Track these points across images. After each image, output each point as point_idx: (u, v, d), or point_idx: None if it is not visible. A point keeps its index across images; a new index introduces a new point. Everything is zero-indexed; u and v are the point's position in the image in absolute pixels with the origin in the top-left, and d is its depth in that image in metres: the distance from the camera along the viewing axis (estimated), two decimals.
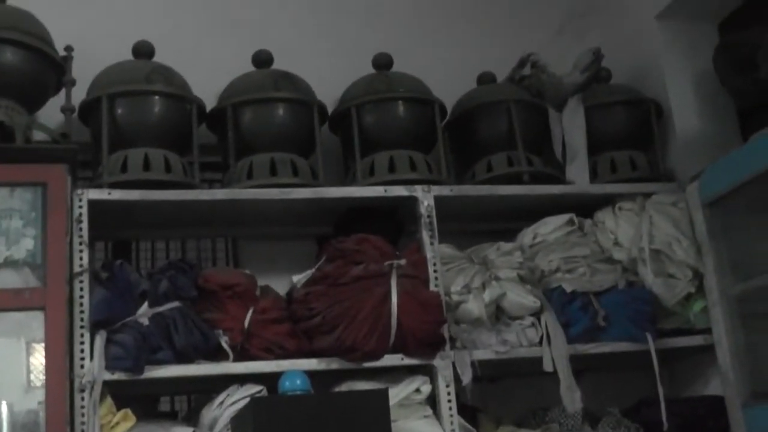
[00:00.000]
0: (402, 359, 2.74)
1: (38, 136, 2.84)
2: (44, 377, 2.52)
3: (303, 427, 2.33)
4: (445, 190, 2.95)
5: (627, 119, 3.33)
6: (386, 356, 2.72)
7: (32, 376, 2.58)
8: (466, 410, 2.83)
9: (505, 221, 3.17)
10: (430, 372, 2.77)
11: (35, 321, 2.55)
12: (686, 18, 3.37)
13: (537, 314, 2.91)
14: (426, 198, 2.90)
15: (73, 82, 2.84)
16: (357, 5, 3.58)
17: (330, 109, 3.16)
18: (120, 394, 2.59)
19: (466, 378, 2.76)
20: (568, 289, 2.95)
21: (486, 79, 3.34)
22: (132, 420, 2.57)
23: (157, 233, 3.04)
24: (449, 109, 3.29)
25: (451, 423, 2.73)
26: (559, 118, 3.26)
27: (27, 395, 2.61)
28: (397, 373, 2.76)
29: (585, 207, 3.15)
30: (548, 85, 3.26)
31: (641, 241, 3.05)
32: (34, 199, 2.65)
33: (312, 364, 2.66)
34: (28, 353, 2.60)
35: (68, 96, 2.82)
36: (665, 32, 3.38)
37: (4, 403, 2.61)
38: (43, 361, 2.55)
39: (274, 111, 2.97)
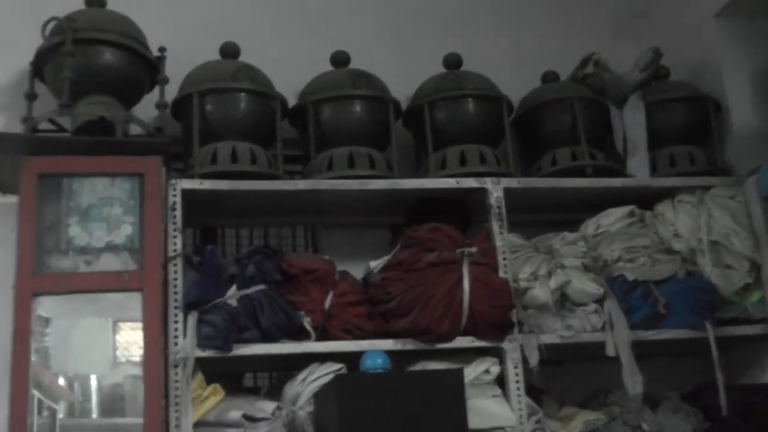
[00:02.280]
0: (473, 341, 2.88)
1: (134, 130, 3.01)
2: (130, 353, 2.72)
3: (383, 403, 2.50)
4: (513, 183, 3.09)
5: (686, 115, 3.42)
6: (458, 338, 2.86)
7: (118, 353, 2.78)
8: (531, 391, 2.96)
9: (569, 212, 3.30)
10: (498, 354, 2.91)
11: (133, 301, 2.72)
12: (744, 16, 3.45)
13: (600, 301, 3.03)
14: (495, 190, 3.05)
15: (166, 80, 3.05)
16: (428, 9, 3.72)
17: (403, 106, 3.30)
18: (207, 370, 2.75)
19: (534, 360, 2.90)
20: (630, 277, 3.07)
21: (550, 77, 3.48)
22: (221, 394, 2.75)
23: (241, 221, 3.21)
24: (515, 106, 3.41)
25: (519, 403, 2.86)
26: (620, 115, 3.38)
27: (113, 370, 2.82)
28: (467, 355, 2.90)
29: (645, 199, 3.26)
30: (610, 82, 3.38)
31: (700, 233, 3.17)
32: (132, 188, 2.84)
33: (388, 344, 2.81)
34: (114, 331, 2.79)
35: (162, 93, 3.03)
36: (723, 30, 3.46)
37: (93, 376, 2.83)
38: (129, 338, 2.75)
39: (352, 107, 3.13)
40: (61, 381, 2.78)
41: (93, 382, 2.84)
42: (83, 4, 3.07)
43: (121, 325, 2.79)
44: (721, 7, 3.43)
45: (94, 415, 2.83)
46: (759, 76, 3.43)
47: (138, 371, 2.81)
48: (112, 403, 2.84)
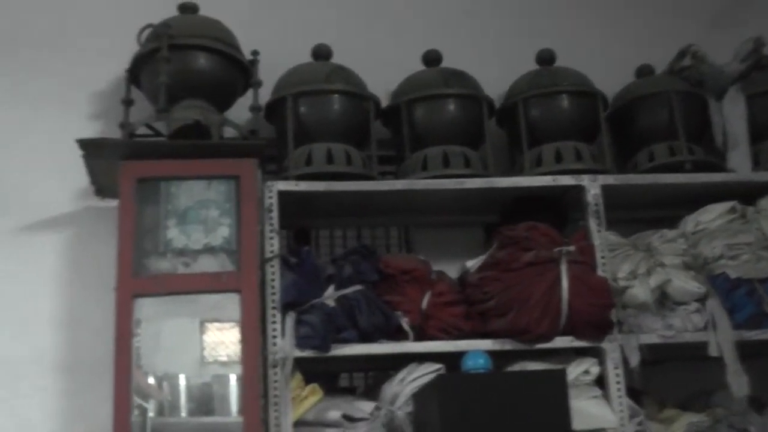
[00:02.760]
0: (572, 341, 2.83)
1: (228, 133, 3.04)
2: (218, 353, 2.75)
3: (485, 403, 2.47)
4: (609, 179, 3.03)
5: None
6: (557, 338, 2.82)
7: (205, 353, 2.80)
8: (631, 392, 2.88)
9: (667, 209, 3.20)
10: (597, 354, 2.85)
11: (231, 302, 2.75)
12: None
13: (701, 300, 2.94)
14: (593, 187, 2.99)
15: (259, 84, 3.08)
16: (520, 5, 3.68)
17: (496, 104, 3.26)
18: (302, 370, 2.76)
19: (634, 361, 2.84)
20: (733, 275, 2.97)
21: (645, 71, 3.40)
22: (319, 394, 2.76)
23: (335, 221, 3.21)
24: (609, 101, 3.34)
25: (620, 404, 2.80)
26: (719, 108, 3.29)
27: (201, 369, 2.85)
28: (565, 355, 2.86)
29: (747, 194, 3.15)
30: (708, 75, 3.28)
31: None
32: (228, 190, 2.87)
33: (486, 344, 2.79)
34: (202, 331, 2.82)
35: (255, 96, 3.06)
36: None
37: (182, 376, 2.87)
38: (216, 338, 2.77)
39: (446, 106, 3.12)
40: (151, 380, 2.82)
41: (181, 381, 2.88)
42: (176, 10, 3.09)
43: (208, 325, 2.82)
44: None
45: (183, 414, 2.88)
46: None
47: (225, 371, 2.86)
48: (201, 402, 2.88)
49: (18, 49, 3.33)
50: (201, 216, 2.84)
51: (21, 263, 3.10)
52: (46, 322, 3.06)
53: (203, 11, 3.12)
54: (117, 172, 2.83)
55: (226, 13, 3.11)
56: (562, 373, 2.57)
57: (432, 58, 3.25)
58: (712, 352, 2.87)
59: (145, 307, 2.75)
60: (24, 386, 2.98)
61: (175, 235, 2.83)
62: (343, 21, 3.51)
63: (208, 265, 2.80)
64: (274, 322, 2.73)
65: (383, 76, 3.23)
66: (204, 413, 2.87)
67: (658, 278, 2.93)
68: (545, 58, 3.31)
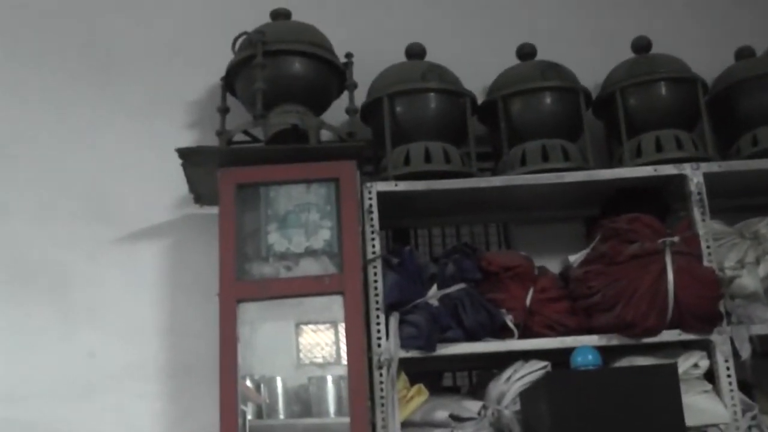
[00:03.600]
0: (679, 335, 2.78)
1: (324, 135, 3.06)
2: (313, 355, 2.76)
3: (596, 400, 2.44)
4: (713, 167, 2.96)
5: None
6: (664, 332, 2.77)
7: (301, 355, 2.82)
8: (742, 386, 2.81)
9: None
10: (705, 347, 2.79)
11: (335, 304, 2.77)
12: None
13: None
14: (695, 175, 2.92)
15: (355, 86, 3.08)
16: None
17: (593, 94, 3.22)
18: (406, 371, 2.76)
19: (745, 353, 2.77)
20: None
21: (745, 53, 3.30)
22: (425, 394, 2.77)
23: (433, 220, 3.21)
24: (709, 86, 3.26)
25: (732, 398, 2.74)
26: None
27: (297, 372, 2.87)
28: (672, 349, 2.80)
29: None
30: None
31: None
32: (327, 193, 2.90)
33: (593, 340, 2.76)
34: (297, 334, 2.84)
35: (351, 98, 3.07)
36: None
37: (279, 378, 2.90)
38: (311, 340, 2.79)
39: (543, 100, 3.08)
40: (248, 383, 2.85)
41: (278, 383, 2.92)
42: (269, 17, 3.12)
43: (303, 327, 2.84)
44: None
45: (281, 416, 2.91)
46: None
47: (322, 372, 2.88)
48: (299, 404, 2.91)
49: (114, 62, 3.42)
50: (301, 219, 2.87)
51: (124, 272, 3.17)
52: (149, 329, 3.12)
53: (295, 16, 3.14)
54: (216, 180, 2.88)
55: (318, 17, 3.14)
56: (673, 368, 2.52)
57: (526, 52, 3.22)
58: None
59: (246, 312, 2.79)
60: (130, 391, 3.04)
61: (276, 239, 2.86)
62: (435, 18, 3.51)
63: (310, 268, 2.83)
64: (378, 324, 2.74)
65: (478, 71, 3.22)
66: (302, 415, 2.91)
67: (767, 267, 2.86)
68: (641, 46, 3.24)
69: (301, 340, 2.87)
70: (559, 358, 2.71)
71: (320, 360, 2.90)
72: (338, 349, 2.78)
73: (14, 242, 3.19)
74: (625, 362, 2.78)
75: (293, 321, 2.87)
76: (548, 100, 3.08)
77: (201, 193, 3.11)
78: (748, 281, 2.85)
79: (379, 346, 2.72)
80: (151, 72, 3.38)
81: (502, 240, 3.23)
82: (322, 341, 2.87)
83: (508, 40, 3.28)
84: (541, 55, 3.22)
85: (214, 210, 2.93)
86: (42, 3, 3.47)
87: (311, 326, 2.88)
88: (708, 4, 3.64)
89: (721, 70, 3.30)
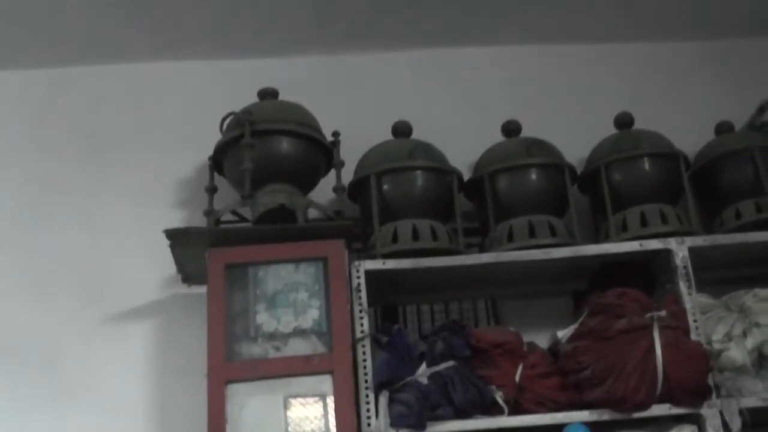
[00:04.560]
0: (670, 409, 2.77)
1: (311, 214, 3.07)
2: (302, 429, 2.73)
3: None
4: (698, 241, 2.98)
5: None
6: (654, 406, 2.75)
7: (290, 429, 2.78)
8: None
9: (758, 267, 3.13)
10: (696, 421, 2.78)
11: (324, 384, 2.76)
12: None
13: None
14: (680, 250, 2.94)
15: (342, 164, 3.11)
16: (595, 70, 3.70)
17: (578, 170, 3.25)
18: None
19: (735, 426, 2.75)
20: None
21: (725, 128, 3.37)
22: None
23: (422, 297, 3.20)
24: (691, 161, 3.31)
25: None
26: None
27: None
28: (663, 423, 2.79)
29: None
30: None
31: None
32: (316, 272, 2.90)
33: (584, 415, 2.75)
34: (285, 407, 2.80)
35: (338, 176, 3.10)
36: None
37: None
38: (301, 414, 2.75)
39: (529, 176, 3.11)
40: None
41: None
42: (257, 97, 3.17)
43: (292, 401, 2.81)
44: None
45: None
46: None
47: None
48: None
49: (103, 144, 3.47)
50: (290, 299, 2.87)
51: (113, 351, 3.16)
52: (138, 409, 3.09)
53: (282, 96, 3.19)
54: (204, 259, 2.88)
55: (305, 96, 3.18)
56: None
57: (511, 129, 3.26)
58: None
59: (235, 392, 2.76)
60: None
61: (265, 319, 2.85)
62: (421, 97, 3.57)
63: (299, 348, 2.82)
64: (368, 402, 2.72)
65: (464, 148, 3.26)
66: None
67: (754, 339, 2.87)
68: (624, 122, 3.31)
69: (290, 413, 2.84)
70: None
71: None
72: (327, 422, 2.76)
73: (5, 320, 3.18)
74: None
75: (282, 395, 2.85)
76: (534, 177, 3.11)
77: (189, 273, 3.11)
78: (736, 354, 2.85)
79: (369, 425, 2.69)
80: (141, 153, 3.44)
81: (491, 315, 3.22)
82: (311, 414, 2.84)
83: (493, 118, 3.32)
84: (526, 132, 3.26)
85: (203, 289, 2.92)
86: (44, 98, 3.55)
87: (300, 399, 2.85)
88: (688, 81, 3.71)
89: (702, 144, 3.36)
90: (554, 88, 3.66)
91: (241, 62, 3.56)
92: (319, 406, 2.77)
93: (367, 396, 2.73)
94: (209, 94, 3.48)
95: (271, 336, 2.83)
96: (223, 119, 3.09)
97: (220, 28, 3.47)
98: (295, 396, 2.79)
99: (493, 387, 2.78)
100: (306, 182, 3.08)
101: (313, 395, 2.78)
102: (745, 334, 2.89)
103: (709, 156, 3.30)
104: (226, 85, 3.50)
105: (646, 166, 3.17)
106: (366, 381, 2.75)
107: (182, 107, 3.51)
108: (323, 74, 3.60)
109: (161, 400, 3.11)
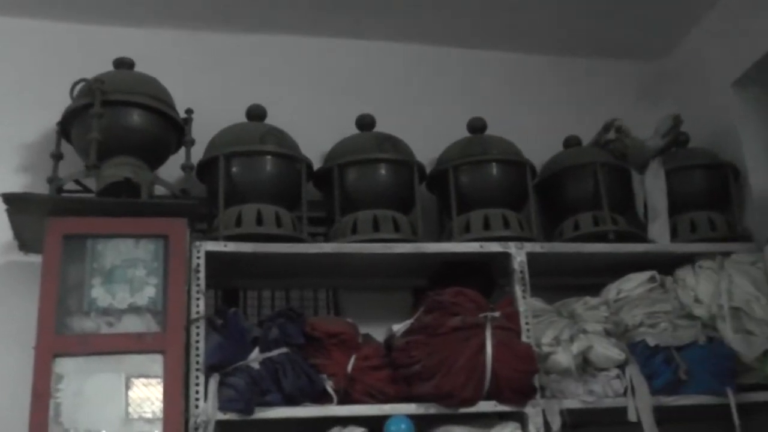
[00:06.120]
0: (495, 406, 2.86)
1: (158, 190, 3.02)
2: (143, 410, 2.69)
3: None
4: (536, 247, 3.10)
5: (705, 181, 3.45)
6: (481, 403, 2.84)
7: (130, 409, 2.74)
8: None
9: (591, 276, 3.27)
10: (520, 418, 2.88)
11: (155, 363, 2.71)
12: (762, 84, 3.47)
13: (622, 366, 2.99)
14: (519, 254, 3.05)
15: (192, 142, 3.06)
16: (452, 73, 3.77)
17: (428, 170, 3.32)
18: None
19: (555, 426, 2.87)
20: (652, 343, 3.04)
21: (572, 142, 3.51)
22: None
23: (263, 283, 3.20)
24: (538, 171, 3.42)
25: None
26: (641, 180, 3.40)
27: (124, 427, 2.73)
28: (489, 419, 2.88)
29: (666, 265, 3.25)
30: (632, 148, 3.41)
31: (720, 299, 3.14)
32: (156, 249, 2.84)
33: (411, 408, 2.80)
34: (127, 387, 2.76)
35: (188, 155, 3.05)
36: (741, 98, 3.50)
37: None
38: (142, 394, 2.72)
39: (377, 171, 3.15)
40: None
41: None
42: (112, 65, 3.09)
43: (134, 381, 2.77)
44: (739, 76, 3.46)
45: None
46: None
47: (150, 428, 2.78)
48: None
49: None
50: (128, 275, 2.80)
51: None
52: None
53: (139, 67, 3.11)
54: (42, 228, 2.77)
55: (162, 71, 3.11)
56: None
57: (366, 123, 3.29)
58: (632, 417, 2.92)
59: (68, 365, 2.68)
60: None
61: (99, 294, 2.78)
62: (279, 82, 3.54)
63: (132, 325, 2.76)
64: (197, 384, 2.70)
65: (317, 138, 3.27)
66: None
67: (580, 345, 2.98)
68: (476, 127, 3.39)
69: (131, 393, 2.78)
70: (379, 425, 2.73)
71: (149, 415, 2.80)
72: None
73: None
74: (441, 431, 2.82)
75: (124, 374, 2.79)
76: (383, 172, 3.15)
77: (26, 240, 3.00)
78: (562, 358, 2.96)
79: (197, 407, 2.67)
80: None
81: (331, 305, 3.25)
82: (152, 396, 2.79)
83: (349, 110, 3.34)
84: (380, 128, 3.30)
85: (39, 258, 2.80)
86: None
87: (143, 380, 2.80)
88: (543, 93, 3.83)
89: (551, 156, 3.49)
90: (413, 88, 3.71)
91: (99, 28, 3.45)
92: (161, 388, 2.73)
93: (197, 378, 2.71)
94: (63, 57, 3.36)
95: (105, 311, 2.76)
96: (74, 84, 2.98)
97: None
98: (138, 376, 2.75)
99: (325, 376, 2.80)
100: (154, 158, 3.03)
101: (157, 376, 2.74)
102: (572, 340, 3.00)
103: (554, 168, 3.43)
104: (81, 50, 3.38)
105: (494, 171, 3.26)
106: (197, 363, 2.72)
107: (32, 68, 3.36)
108: (183, 50, 3.53)
109: None
